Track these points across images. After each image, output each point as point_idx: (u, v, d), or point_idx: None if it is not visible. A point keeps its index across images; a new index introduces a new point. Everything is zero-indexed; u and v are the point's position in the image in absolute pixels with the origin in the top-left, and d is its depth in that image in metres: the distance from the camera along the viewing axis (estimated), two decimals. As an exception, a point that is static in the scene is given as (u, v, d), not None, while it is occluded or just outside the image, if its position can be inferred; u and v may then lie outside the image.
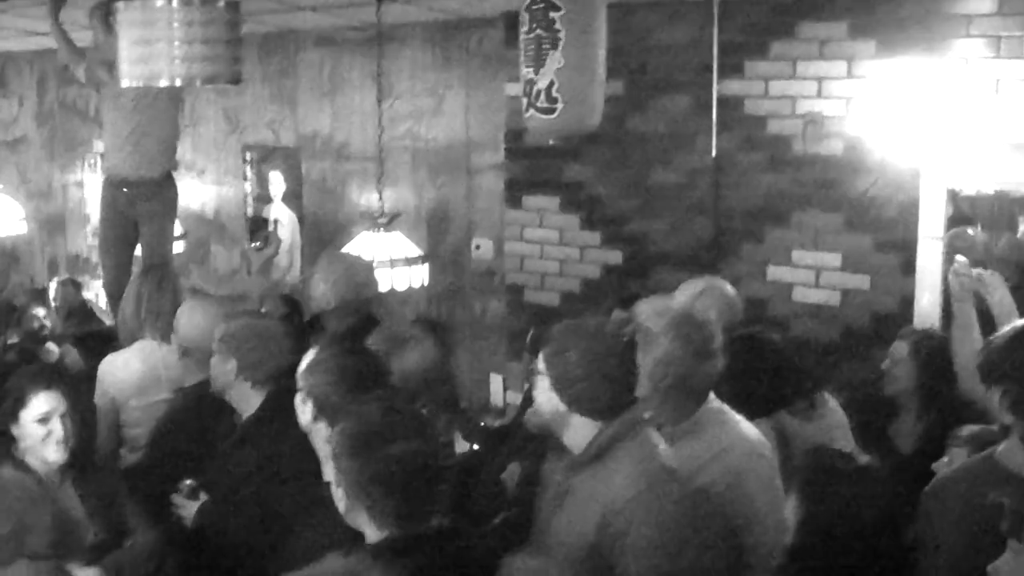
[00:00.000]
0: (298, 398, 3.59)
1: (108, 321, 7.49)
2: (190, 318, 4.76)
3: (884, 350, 4.95)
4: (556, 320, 3.47)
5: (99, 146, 9.83)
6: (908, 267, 5.54)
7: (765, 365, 4.03)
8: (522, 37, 4.68)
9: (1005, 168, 5.23)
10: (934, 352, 4.67)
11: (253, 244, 5.40)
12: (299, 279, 8.12)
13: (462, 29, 7.28)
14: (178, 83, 4.23)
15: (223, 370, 4.16)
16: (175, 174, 6.64)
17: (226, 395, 4.21)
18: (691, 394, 3.48)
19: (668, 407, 3.46)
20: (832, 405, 4.36)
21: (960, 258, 4.53)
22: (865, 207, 5.66)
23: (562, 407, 3.14)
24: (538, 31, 4.57)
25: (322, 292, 5.16)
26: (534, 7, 4.58)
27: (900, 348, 4.77)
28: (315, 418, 3.50)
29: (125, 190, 6.33)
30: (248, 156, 8.64)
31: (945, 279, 4.94)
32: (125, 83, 4.28)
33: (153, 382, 4.88)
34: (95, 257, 10.06)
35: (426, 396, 4.28)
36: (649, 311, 3.55)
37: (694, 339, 3.44)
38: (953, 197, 5.60)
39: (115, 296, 6.12)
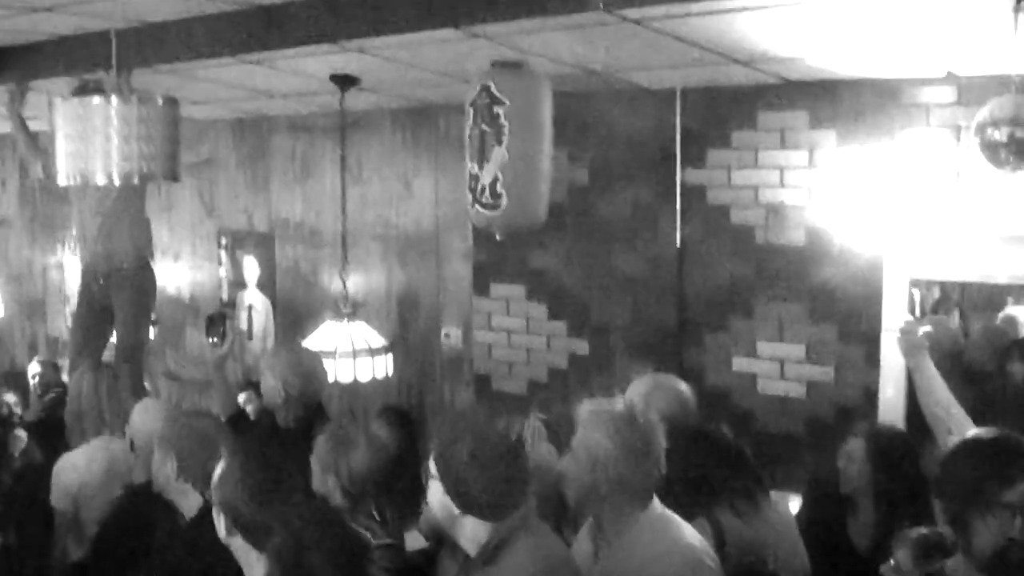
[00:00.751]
0: (214, 510, 3.51)
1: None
2: (143, 416, 4.73)
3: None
4: (522, 408, 3.50)
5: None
6: (872, 359, 5.46)
7: (706, 459, 3.96)
8: (467, 131, 4.64)
9: (965, 257, 5.16)
10: (889, 449, 4.57)
11: (209, 339, 5.33)
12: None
13: (431, 115, 7.26)
14: (115, 181, 4.18)
15: (163, 470, 4.11)
16: (152, 261, 6.60)
17: (165, 495, 4.15)
18: (631, 497, 3.41)
19: (607, 510, 3.42)
20: (781, 507, 4.25)
21: (907, 317, 4.47)
22: (829, 297, 5.59)
23: (456, 510, 3.15)
24: (482, 126, 4.54)
25: (271, 386, 5.08)
26: (479, 102, 4.54)
27: (855, 446, 4.66)
28: (229, 531, 3.42)
29: (100, 281, 6.30)
30: (223, 240, 8.60)
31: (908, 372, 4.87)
32: (61, 180, 4.23)
33: (115, 478, 4.81)
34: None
35: (382, 496, 4.20)
36: (587, 411, 3.53)
37: (631, 439, 3.39)
38: (927, 284, 5.53)
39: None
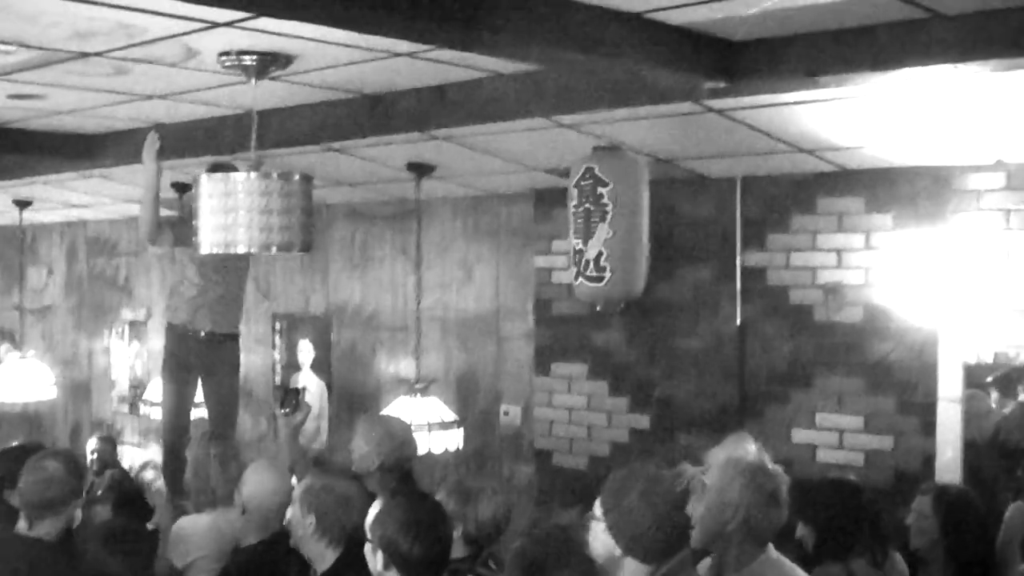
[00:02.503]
0: (368, 548, 3.78)
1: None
2: (256, 479, 4.95)
3: (908, 508, 5.16)
4: (585, 483, 3.65)
5: (127, 314, 10.16)
6: (929, 427, 5.78)
7: (847, 508, 4.20)
8: (571, 210, 5.01)
9: (1017, 333, 5.52)
10: (956, 504, 4.87)
11: (282, 410, 5.56)
12: (326, 447, 8.32)
13: (491, 204, 7.65)
14: (254, 251, 4.53)
15: (302, 525, 4.37)
16: (239, 337, 6.94)
17: (301, 549, 4.40)
18: (755, 540, 3.66)
19: (731, 552, 3.66)
20: (898, 559, 4.53)
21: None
22: (886, 371, 5.92)
23: (617, 551, 3.29)
24: (587, 205, 4.92)
25: (364, 453, 5.23)
26: (583, 183, 4.93)
27: (923, 503, 4.96)
28: (385, 566, 3.69)
29: (196, 342, 6.62)
30: (278, 325, 8.93)
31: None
32: (204, 250, 4.57)
33: (229, 542, 5.05)
34: (119, 423, 10.29)
35: (496, 543, 4.47)
36: (721, 457, 3.77)
37: (766, 487, 3.67)
38: (977, 360, 5.86)
39: (173, 443, 6.44)
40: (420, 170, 6.74)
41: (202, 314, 6.58)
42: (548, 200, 7.12)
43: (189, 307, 6.61)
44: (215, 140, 6.07)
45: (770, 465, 3.75)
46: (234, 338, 6.74)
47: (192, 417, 6.74)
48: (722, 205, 6.46)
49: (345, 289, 8.55)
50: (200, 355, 6.62)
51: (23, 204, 9.37)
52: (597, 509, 3.36)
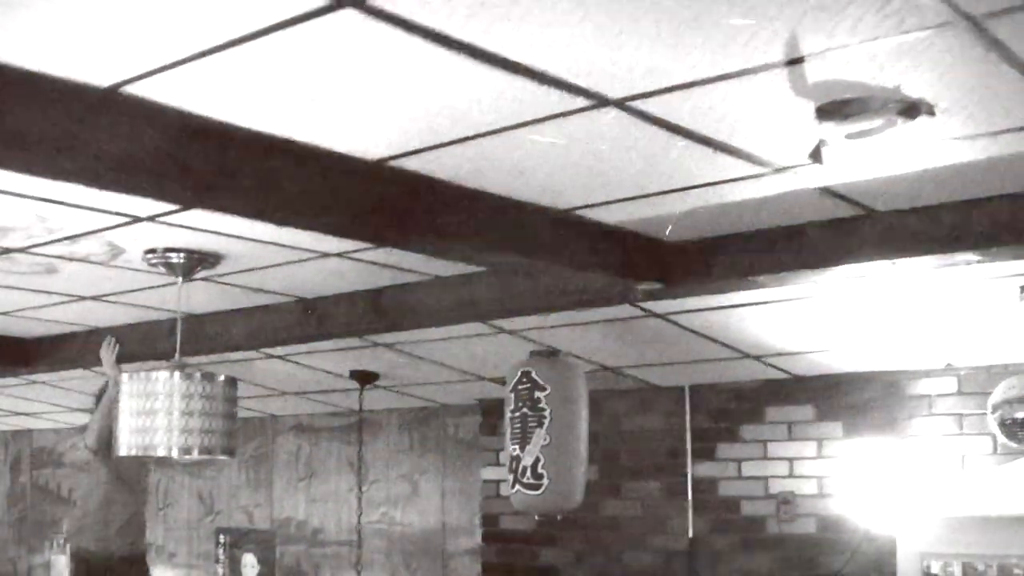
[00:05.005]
0: None
1: None
2: None
3: None
4: None
5: (66, 525, 9.83)
6: (889, 644, 5.53)
7: None
8: (508, 416, 4.87)
9: (974, 538, 5.32)
10: None
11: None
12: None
13: (438, 416, 7.50)
14: (174, 454, 4.34)
15: None
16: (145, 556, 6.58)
17: None
18: None
19: None
20: None
21: None
22: (843, 585, 5.70)
23: None
24: (524, 409, 4.77)
25: None
26: (520, 387, 4.80)
27: None
28: None
29: (105, 568, 6.26)
30: (221, 539, 8.62)
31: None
32: (123, 451, 4.38)
33: None
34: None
35: None
36: None
37: None
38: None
39: None
40: (363, 378, 6.61)
41: (108, 533, 6.20)
42: (495, 411, 6.94)
43: (97, 527, 6.22)
44: (149, 345, 5.91)
45: None
46: (142, 558, 6.40)
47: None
48: (670, 416, 6.33)
49: (290, 503, 8.28)
50: None
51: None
52: None
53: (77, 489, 6.54)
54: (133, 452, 4.37)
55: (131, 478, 6.15)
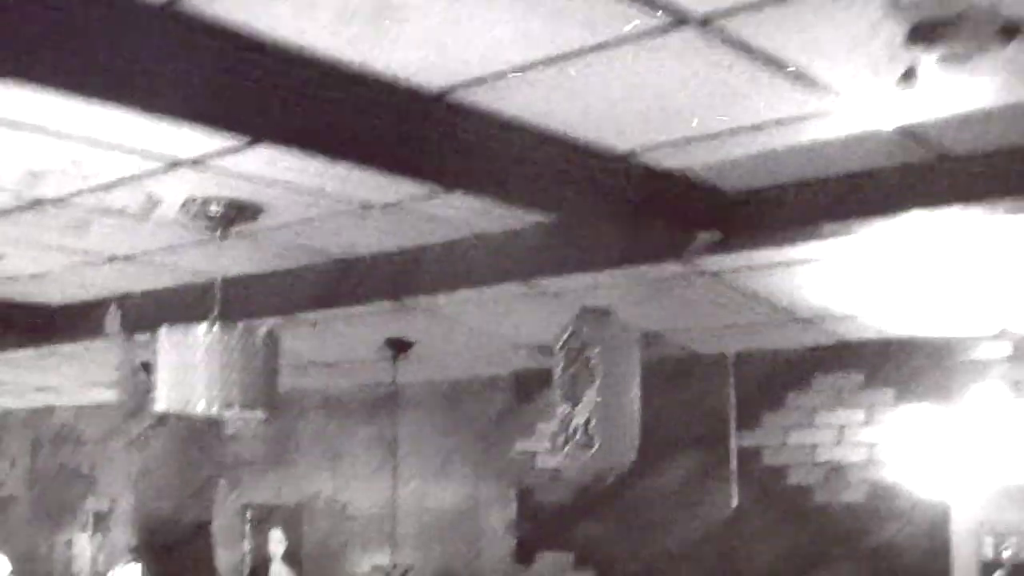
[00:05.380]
0: None
1: None
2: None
3: None
4: None
5: (92, 503, 9.78)
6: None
7: None
8: (558, 375, 4.73)
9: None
10: None
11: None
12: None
13: (471, 390, 7.34)
14: (214, 409, 4.19)
15: None
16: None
17: None
18: None
19: None
20: None
21: None
22: (894, 552, 5.52)
23: None
24: (574, 368, 4.64)
25: None
26: (569, 345, 4.66)
27: None
28: None
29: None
30: (248, 515, 8.51)
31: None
32: (161, 407, 4.24)
33: None
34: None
35: None
36: None
37: None
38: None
39: None
40: (399, 346, 6.44)
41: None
42: (530, 383, 6.83)
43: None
44: (180, 311, 5.74)
45: None
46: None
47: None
48: (715, 385, 6.17)
49: (317, 479, 8.14)
50: None
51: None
52: None
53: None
54: (173, 408, 4.22)
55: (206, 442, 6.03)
